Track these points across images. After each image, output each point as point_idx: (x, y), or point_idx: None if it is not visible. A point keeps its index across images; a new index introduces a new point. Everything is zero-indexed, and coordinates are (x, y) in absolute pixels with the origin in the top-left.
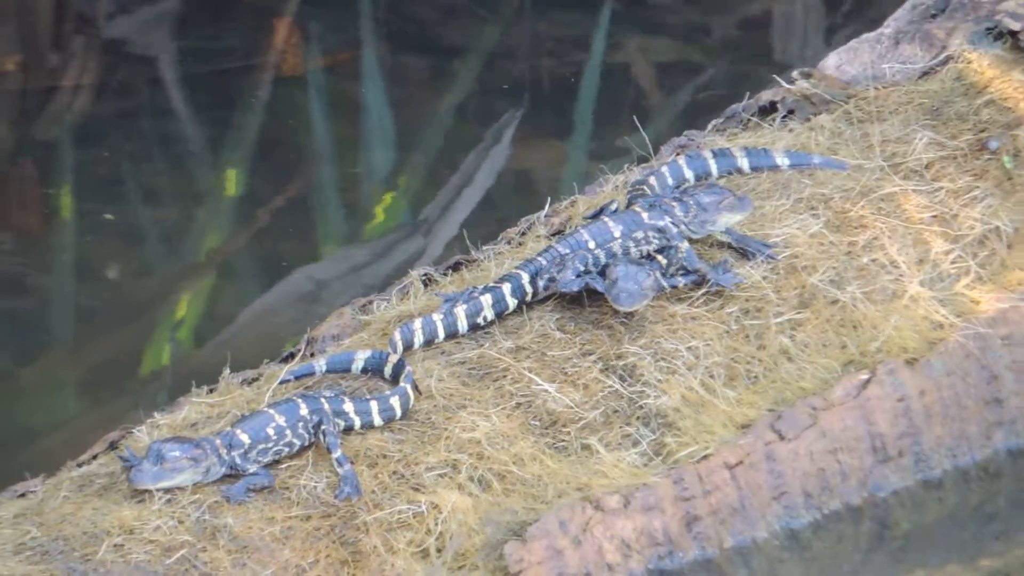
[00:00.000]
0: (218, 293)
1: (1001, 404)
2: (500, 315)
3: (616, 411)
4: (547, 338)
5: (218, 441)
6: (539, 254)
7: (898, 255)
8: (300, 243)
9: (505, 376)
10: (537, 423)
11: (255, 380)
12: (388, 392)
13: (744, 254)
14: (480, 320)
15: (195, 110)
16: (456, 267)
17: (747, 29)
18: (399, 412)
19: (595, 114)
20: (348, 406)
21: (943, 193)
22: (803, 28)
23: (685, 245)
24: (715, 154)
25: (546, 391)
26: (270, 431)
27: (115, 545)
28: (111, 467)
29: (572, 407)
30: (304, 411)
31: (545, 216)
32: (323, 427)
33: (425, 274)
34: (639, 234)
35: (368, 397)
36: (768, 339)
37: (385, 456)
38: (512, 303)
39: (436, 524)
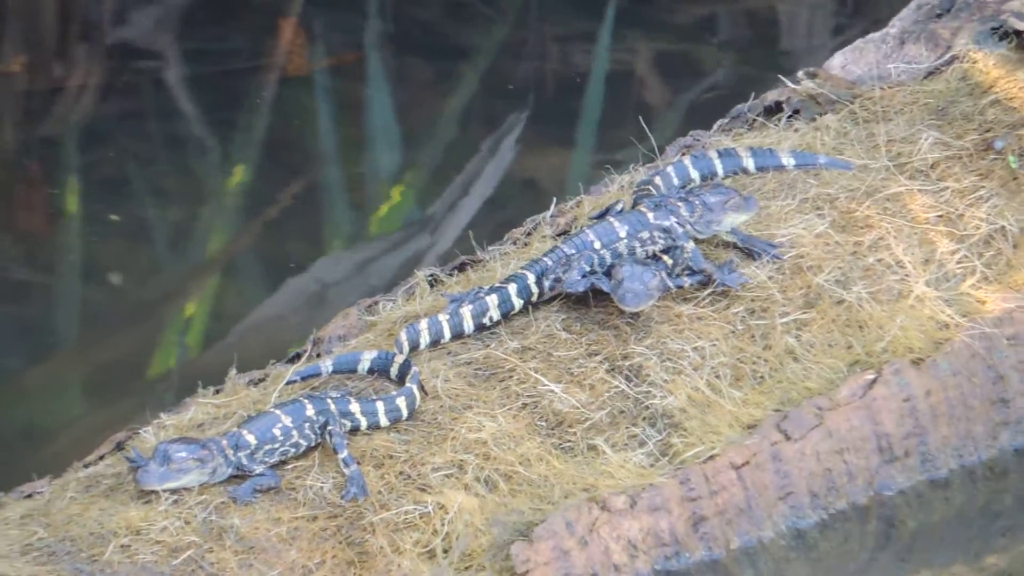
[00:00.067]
0: (224, 293)
1: (1007, 404)
2: (506, 315)
3: (622, 411)
4: (553, 338)
5: (224, 442)
6: (545, 254)
7: (904, 255)
8: (306, 243)
9: (511, 376)
10: (543, 423)
11: (261, 381)
12: (394, 393)
13: (750, 254)
14: (486, 320)
15: (201, 111)
16: (462, 268)
17: (753, 29)
18: (405, 413)
19: (600, 114)
20: (354, 407)
21: (949, 193)
22: (808, 28)
23: (691, 245)
24: (721, 154)
25: (552, 391)
26: (276, 432)
27: (122, 546)
28: (118, 468)
29: (578, 407)
30: (310, 412)
31: (551, 216)
32: (329, 428)
33: (431, 275)
34: (645, 234)
35: (374, 398)
36: (774, 339)
37: (391, 457)
38: (518, 303)
39: (442, 525)
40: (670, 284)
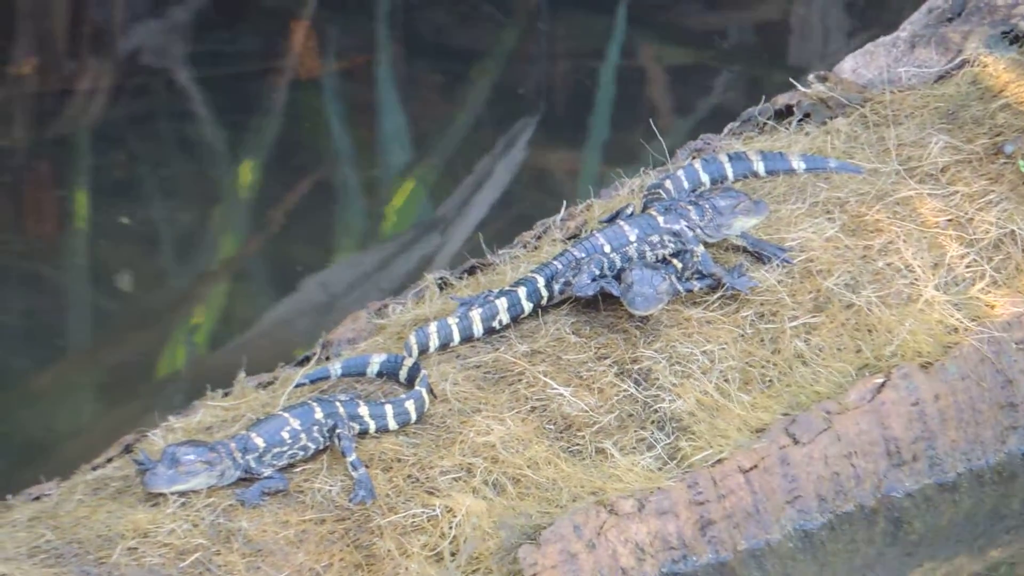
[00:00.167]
0: (234, 296)
1: (1016, 408)
2: (515, 319)
3: (631, 415)
4: (562, 342)
5: (233, 445)
6: (555, 258)
7: (913, 259)
8: (317, 246)
9: (520, 380)
10: (552, 427)
11: (270, 384)
12: (403, 396)
13: (759, 258)
14: (495, 324)
15: (212, 113)
16: (471, 271)
17: (764, 32)
18: (414, 416)
19: (611, 117)
20: (363, 410)
21: (958, 197)
22: (820, 32)
23: (700, 249)
24: (731, 158)
25: (561, 395)
26: (285, 435)
27: (129, 548)
28: (126, 470)
29: (587, 411)
30: (319, 415)
31: (560, 220)
32: (338, 431)
33: (440, 278)
34: (654, 238)
35: (383, 401)
36: (783, 343)
37: (400, 460)
38: (527, 307)
39: (450, 528)
40: (680, 288)
